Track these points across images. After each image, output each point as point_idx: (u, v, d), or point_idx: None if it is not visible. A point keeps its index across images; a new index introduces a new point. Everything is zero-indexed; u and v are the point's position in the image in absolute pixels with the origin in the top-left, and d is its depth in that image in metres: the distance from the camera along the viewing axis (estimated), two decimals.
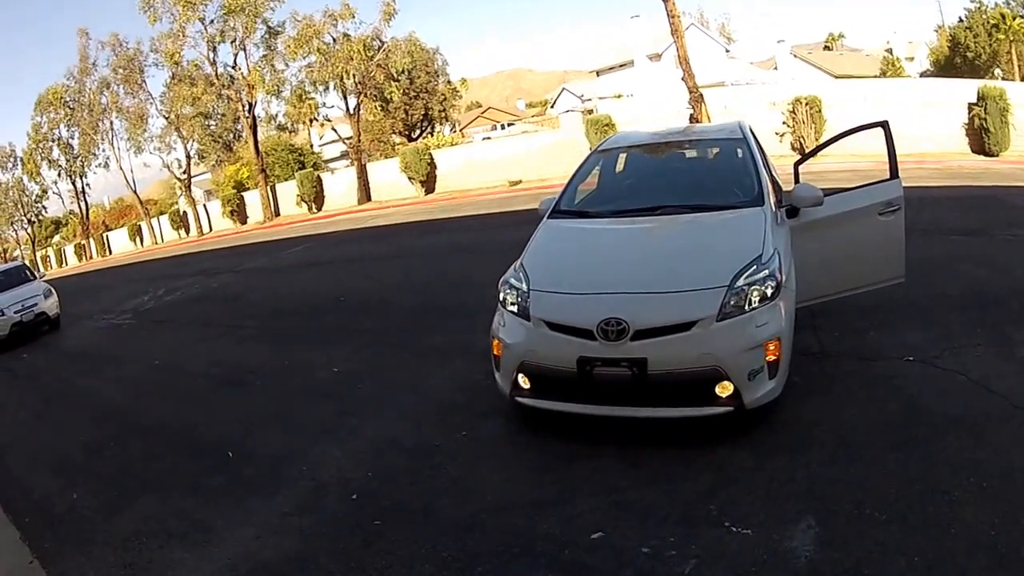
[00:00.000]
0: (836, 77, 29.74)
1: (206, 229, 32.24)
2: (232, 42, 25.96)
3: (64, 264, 46.22)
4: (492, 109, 50.08)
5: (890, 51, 40.50)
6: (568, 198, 4.51)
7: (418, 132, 34.86)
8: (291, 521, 3.27)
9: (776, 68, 35.57)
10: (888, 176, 4.09)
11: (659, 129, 5.52)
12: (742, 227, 3.60)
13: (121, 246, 39.11)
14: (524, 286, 3.58)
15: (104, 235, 42.09)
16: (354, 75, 24.21)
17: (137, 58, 30.14)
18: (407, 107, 32.96)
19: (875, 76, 30.53)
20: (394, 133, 34.50)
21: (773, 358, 3.10)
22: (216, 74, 26.34)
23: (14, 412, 7.29)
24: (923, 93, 16.01)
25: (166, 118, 31.05)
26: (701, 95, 15.85)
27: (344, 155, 36.65)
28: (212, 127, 31.75)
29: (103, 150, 35.51)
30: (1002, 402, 3.23)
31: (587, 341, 3.16)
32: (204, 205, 33.67)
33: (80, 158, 36.65)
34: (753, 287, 3.15)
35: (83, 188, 39.98)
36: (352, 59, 23.43)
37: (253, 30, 25.37)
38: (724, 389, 3.08)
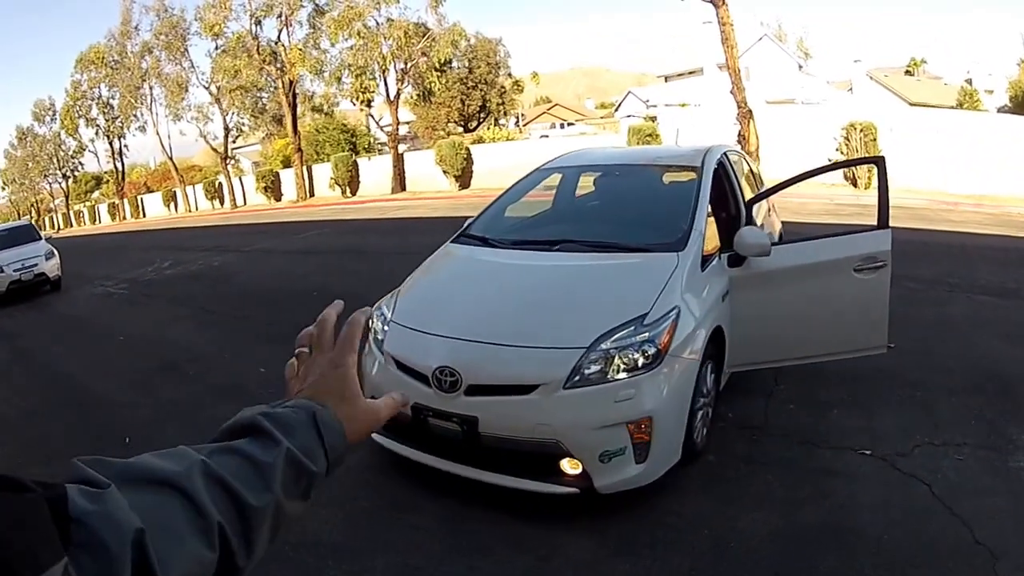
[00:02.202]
0: (911, 104, 28.10)
1: (240, 202, 33.08)
2: (278, 17, 26.40)
3: (97, 221, 48.56)
4: (559, 106, 49.54)
5: (969, 82, 38.31)
6: (484, 221, 4.24)
7: (475, 123, 35.29)
8: None
9: (851, 89, 33.99)
10: (875, 224, 3.54)
11: (625, 149, 5.17)
12: (642, 276, 3.19)
13: (155, 210, 40.46)
14: (389, 314, 3.41)
15: (139, 197, 43.62)
16: (393, 62, 24.34)
17: (180, 26, 30.86)
18: (464, 97, 33.59)
19: (951, 107, 28.57)
20: (449, 123, 34.86)
21: (642, 439, 2.70)
22: (258, 48, 26.76)
23: None
24: (993, 129, 14.81)
25: (206, 88, 31.77)
26: (750, 111, 15.13)
27: (402, 139, 37.40)
28: (264, 100, 32.61)
29: (141, 114, 36.65)
30: (962, 531, 2.64)
31: (425, 388, 2.92)
32: (240, 179, 34.45)
33: (120, 119, 38.01)
34: (623, 352, 2.75)
35: (120, 149, 41.68)
36: (393, 44, 23.62)
37: (298, 7, 25.72)
38: (573, 465, 2.73)
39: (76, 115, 39.27)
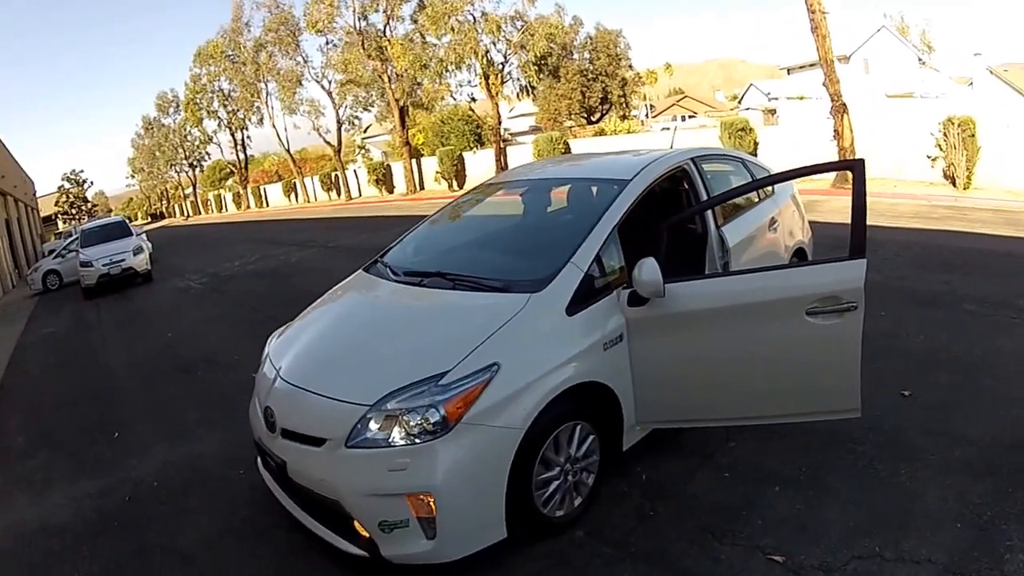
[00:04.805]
0: None
1: (355, 194, 35.47)
2: (383, 11, 28.02)
3: (224, 210, 53.96)
4: (688, 98, 50.13)
5: None
6: (401, 247, 4.20)
7: (598, 115, 36.08)
8: (84, 502, 4.25)
9: (971, 84, 30.66)
10: (847, 252, 2.87)
11: (571, 161, 4.87)
12: (472, 322, 2.94)
13: (277, 199, 44.56)
14: (273, 344, 3.55)
15: (262, 187, 48.08)
16: (487, 56, 25.13)
17: (290, 21, 33.58)
18: (585, 89, 34.62)
19: None
20: (572, 114, 35.71)
21: (426, 515, 2.52)
22: (363, 44, 28.45)
23: (49, 357, 9.68)
24: None
25: (318, 82, 34.42)
26: (843, 105, 14.31)
27: (533, 130, 38.50)
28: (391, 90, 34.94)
29: (259, 107, 40.40)
30: None
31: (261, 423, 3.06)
32: (355, 171, 36.93)
33: (240, 111, 42.03)
34: (409, 415, 2.56)
35: (243, 140, 46.21)
36: (492, 37, 24.56)
37: (399, 2, 27.27)
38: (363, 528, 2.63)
39: (197, 107, 43.83)
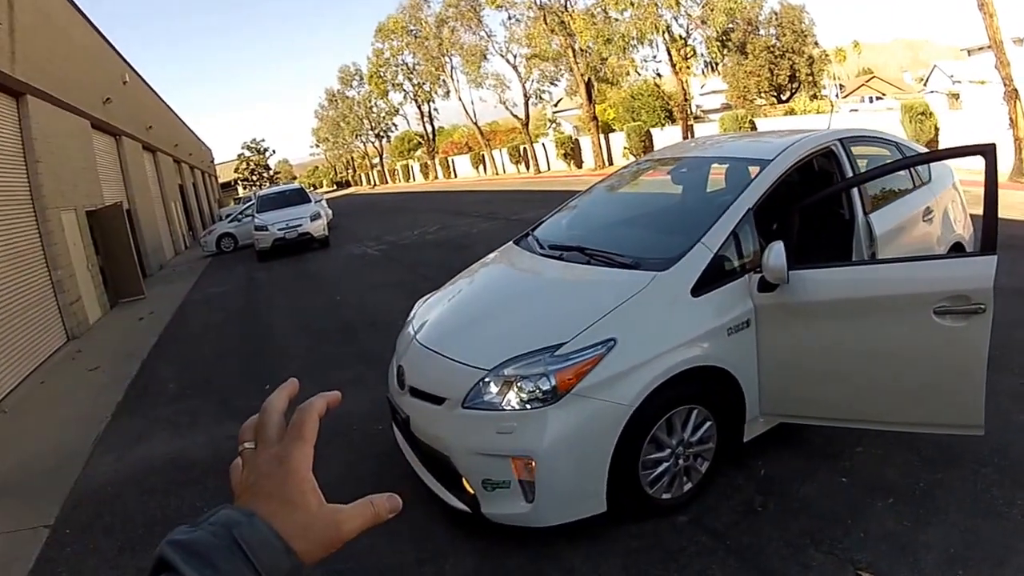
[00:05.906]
0: None
1: (544, 168, 36.75)
2: None
3: (411, 179, 57.68)
4: (876, 78, 49.33)
5: None
6: (553, 221, 4.54)
7: (788, 94, 36.00)
8: (222, 442, 4.94)
9: None
10: (980, 247, 2.79)
11: (716, 141, 5.05)
12: (597, 296, 3.16)
13: (465, 171, 47.29)
14: (417, 308, 4.08)
15: (449, 159, 51.06)
16: (668, 31, 25.35)
17: None
18: (772, 66, 34.68)
19: None
20: (761, 92, 35.58)
21: (528, 478, 2.80)
22: (544, 18, 29.44)
23: (214, 314, 10.95)
24: None
25: (502, 56, 36.07)
26: (1015, 91, 12.94)
27: (724, 107, 38.09)
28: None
29: (443, 81, 42.96)
30: None
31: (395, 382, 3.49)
32: (543, 144, 38.21)
33: (427, 84, 44.92)
34: (523, 381, 2.84)
35: (429, 112, 49.45)
36: (672, 12, 24.73)
37: None
38: (469, 485, 2.97)
39: (382, 80, 47.44)
